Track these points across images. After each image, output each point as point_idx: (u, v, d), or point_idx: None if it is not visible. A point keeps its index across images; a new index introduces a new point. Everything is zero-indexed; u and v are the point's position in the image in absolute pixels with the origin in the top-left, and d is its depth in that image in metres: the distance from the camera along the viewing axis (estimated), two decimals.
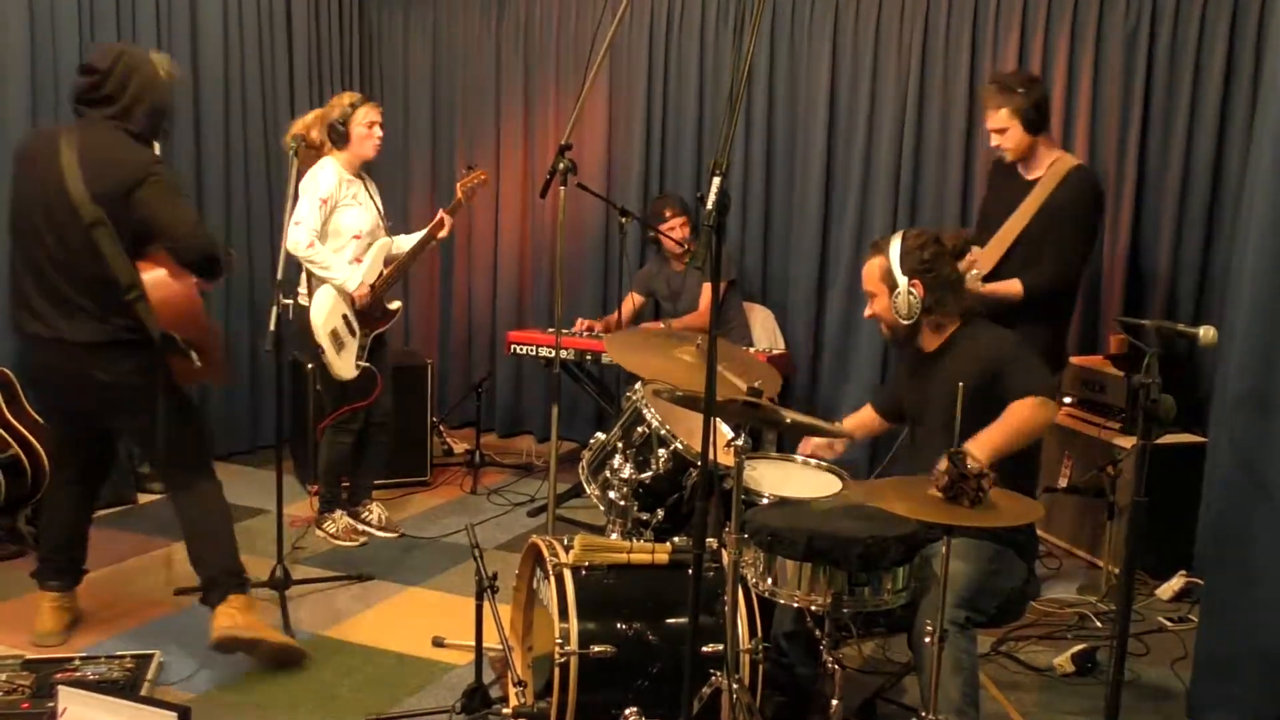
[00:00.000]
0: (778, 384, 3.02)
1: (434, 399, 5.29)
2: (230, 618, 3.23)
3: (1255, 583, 2.81)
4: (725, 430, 3.04)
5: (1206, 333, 2.44)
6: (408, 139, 6.19)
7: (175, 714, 2.39)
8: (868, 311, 2.97)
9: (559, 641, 2.60)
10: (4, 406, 4.19)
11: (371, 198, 4.34)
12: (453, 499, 5.05)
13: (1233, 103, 4.48)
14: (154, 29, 5.05)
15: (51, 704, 2.54)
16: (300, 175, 4.06)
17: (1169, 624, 3.75)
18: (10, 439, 4.12)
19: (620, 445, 3.15)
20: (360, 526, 4.48)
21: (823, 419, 3.40)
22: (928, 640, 2.39)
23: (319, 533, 4.43)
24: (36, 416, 4.17)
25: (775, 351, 5.04)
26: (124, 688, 2.96)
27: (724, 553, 2.63)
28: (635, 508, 3.08)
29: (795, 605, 2.58)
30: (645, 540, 3.00)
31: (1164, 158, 4.64)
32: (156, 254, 3.16)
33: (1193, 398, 4.14)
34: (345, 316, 4.23)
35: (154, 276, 3.15)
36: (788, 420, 2.70)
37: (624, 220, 4.51)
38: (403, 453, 4.95)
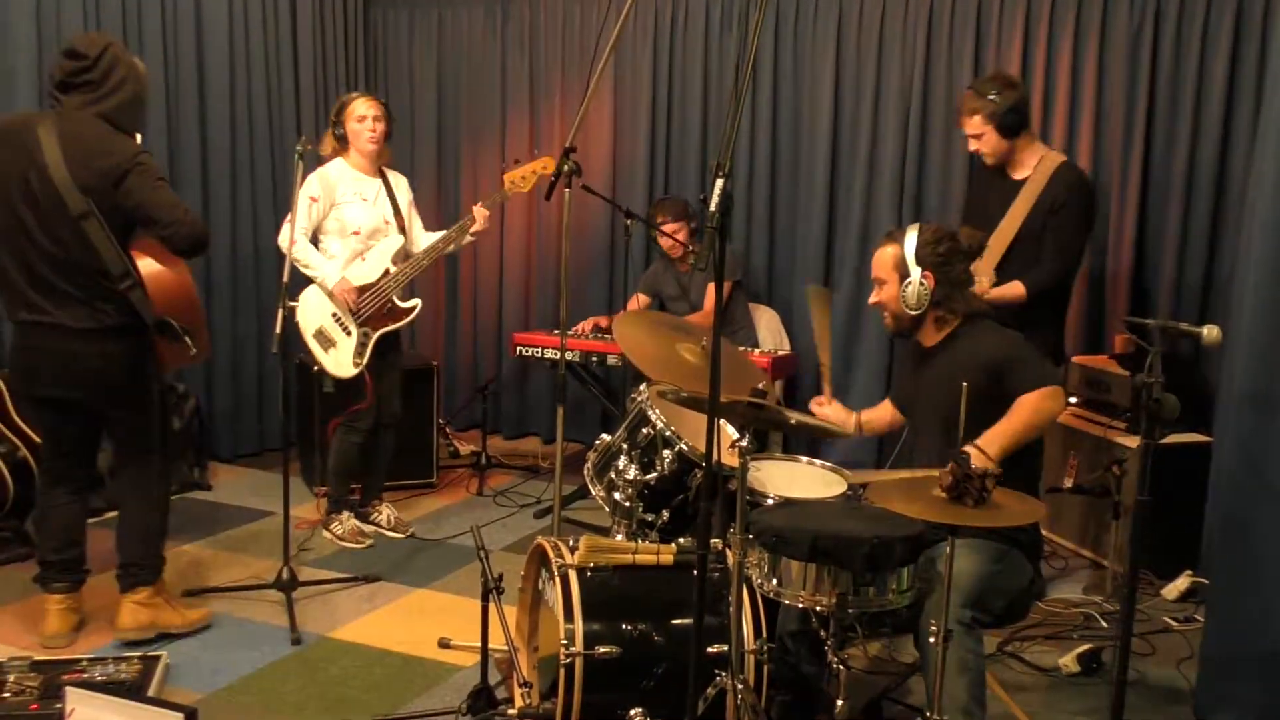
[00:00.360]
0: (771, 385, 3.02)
1: (440, 401, 5.29)
2: (133, 616, 3.38)
3: (1261, 582, 2.80)
4: (730, 431, 3.05)
5: (1211, 332, 2.43)
6: (413, 142, 6.19)
7: (182, 715, 2.39)
8: (873, 298, 2.98)
9: (564, 642, 2.61)
10: (10, 407, 4.20)
11: (389, 197, 4.31)
12: (459, 501, 5.06)
13: (1237, 102, 4.49)
14: (160, 34, 5.08)
15: (59, 705, 2.55)
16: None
17: (1174, 624, 3.75)
18: (17, 440, 4.14)
19: (625, 446, 3.15)
20: (367, 528, 4.47)
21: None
22: (933, 640, 2.40)
23: (325, 534, 4.43)
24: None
25: (781, 353, 5.05)
26: (131, 689, 2.97)
27: (729, 553, 2.64)
28: (640, 509, 3.08)
29: (800, 606, 2.58)
30: (650, 541, 3.00)
31: (1168, 158, 4.64)
32: (145, 240, 3.19)
33: (1198, 397, 4.14)
34: (334, 315, 4.22)
35: (149, 265, 3.21)
36: (792, 421, 2.70)
37: (629, 222, 4.52)
38: (409, 455, 4.94)
